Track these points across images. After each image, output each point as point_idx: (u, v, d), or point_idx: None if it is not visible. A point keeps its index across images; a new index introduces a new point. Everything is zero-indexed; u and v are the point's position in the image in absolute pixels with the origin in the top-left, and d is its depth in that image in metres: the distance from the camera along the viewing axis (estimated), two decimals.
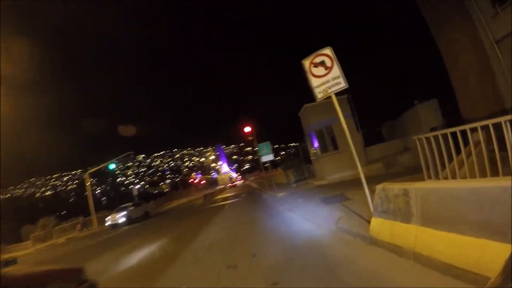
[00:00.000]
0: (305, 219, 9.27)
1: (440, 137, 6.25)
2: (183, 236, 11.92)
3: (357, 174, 17.23)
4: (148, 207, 33.33)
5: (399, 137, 22.44)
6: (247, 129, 31.04)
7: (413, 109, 22.09)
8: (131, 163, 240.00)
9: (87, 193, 36.35)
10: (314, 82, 6.75)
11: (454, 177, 6.13)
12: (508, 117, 4.86)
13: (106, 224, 26.96)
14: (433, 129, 19.40)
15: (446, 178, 6.46)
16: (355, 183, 14.01)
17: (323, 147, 22.13)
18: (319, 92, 6.71)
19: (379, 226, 5.10)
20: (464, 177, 5.98)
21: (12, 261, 6.24)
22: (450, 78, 14.86)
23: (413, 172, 11.20)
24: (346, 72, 6.56)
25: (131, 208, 28.40)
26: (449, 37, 14.13)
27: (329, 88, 6.60)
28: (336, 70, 6.57)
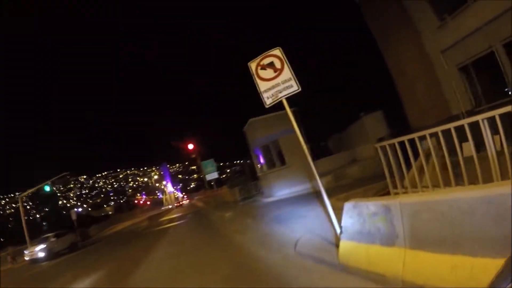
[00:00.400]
0: (258, 242, 8.12)
1: (406, 143, 5.66)
2: (122, 269, 10.31)
3: (307, 189, 16.58)
4: (74, 238, 27.94)
5: (347, 149, 22.27)
6: (190, 146, 30.25)
7: (360, 121, 22.14)
8: (73, 185, 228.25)
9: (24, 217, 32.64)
10: (262, 86, 5.83)
11: (424, 183, 5.52)
12: (486, 114, 4.35)
13: (26, 259, 22.68)
14: (380, 140, 19.42)
15: (414, 186, 5.86)
16: (306, 198, 13.32)
17: (270, 163, 21.38)
18: (268, 97, 5.79)
19: (351, 250, 4.17)
20: (435, 183, 5.39)
21: None
22: (398, 88, 15.03)
23: (365, 183, 10.70)
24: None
25: (52, 239, 23.74)
26: (396, 48, 14.27)
27: (280, 92, 5.70)
28: (287, 72, 5.70)
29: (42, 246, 22.35)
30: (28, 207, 75.44)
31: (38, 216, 74.13)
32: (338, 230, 4.71)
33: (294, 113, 18.35)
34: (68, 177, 37.51)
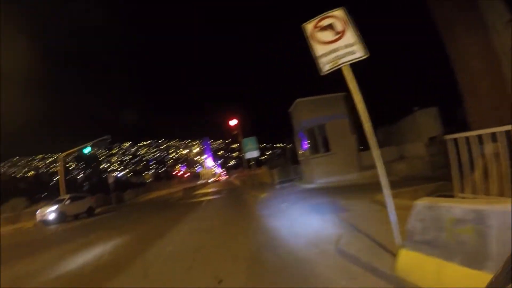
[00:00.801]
0: (291, 231, 7.21)
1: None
2: (145, 237, 9.91)
3: (350, 180, 15.63)
4: (93, 202, 27.39)
5: (395, 144, 21.00)
6: (233, 122, 29.93)
7: (412, 115, 20.90)
8: (116, 150, 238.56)
9: (67, 176, 33.95)
10: (319, 50, 4.78)
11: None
12: None
13: (38, 220, 22.49)
14: (432, 139, 18.10)
15: (487, 193, 4.85)
16: (350, 189, 12.44)
17: (314, 148, 20.33)
18: (326, 63, 4.71)
19: (415, 263, 3.22)
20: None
21: None
22: (459, 85, 13.65)
23: (413, 183, 9.58)
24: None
25: (67, 202, 23.60)
26: (460, 41, 12.90)
27: (340, 58, 4.61)
28: (351, 36, 4.62)
29: (53, 208, 22.34)
30: (72, 167, 79.61)
31: (80, 176, 77.86)
32: (395, 234, 3.81)
33: (343, 98, 17.28)
34: (108, 140, 38.26)
